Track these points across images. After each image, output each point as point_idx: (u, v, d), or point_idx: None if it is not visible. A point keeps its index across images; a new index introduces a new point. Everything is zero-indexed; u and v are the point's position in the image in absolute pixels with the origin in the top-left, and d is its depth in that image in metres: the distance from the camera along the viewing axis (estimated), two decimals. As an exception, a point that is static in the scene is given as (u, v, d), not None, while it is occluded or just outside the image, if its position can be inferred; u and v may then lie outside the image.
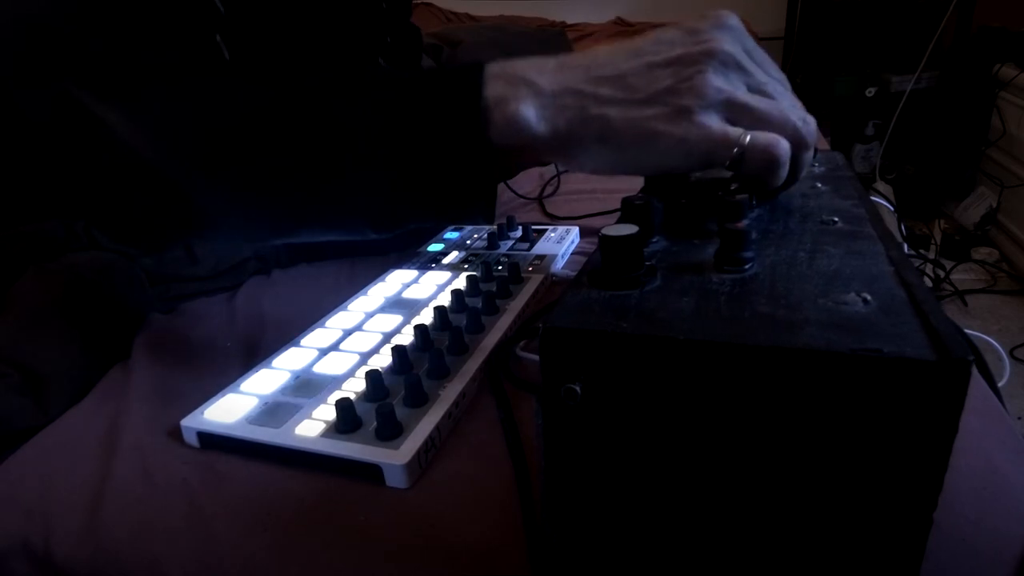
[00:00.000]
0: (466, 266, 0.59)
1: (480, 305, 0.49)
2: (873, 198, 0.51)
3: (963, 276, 1.75)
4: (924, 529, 0.21)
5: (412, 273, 0.58)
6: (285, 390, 0.41)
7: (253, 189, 0.37)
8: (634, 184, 0.41)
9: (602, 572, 0.27)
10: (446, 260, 0.61)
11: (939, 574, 0.27)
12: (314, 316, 0.51)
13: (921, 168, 2.06)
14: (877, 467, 0.21)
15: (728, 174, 0.35)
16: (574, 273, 0.42)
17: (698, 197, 0.37)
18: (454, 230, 0.70)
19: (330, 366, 0.43)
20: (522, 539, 0.31)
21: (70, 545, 0.34)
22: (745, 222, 0.28)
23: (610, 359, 0.23)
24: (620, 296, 0.25)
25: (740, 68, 0.34)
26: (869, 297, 0.23)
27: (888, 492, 0.21)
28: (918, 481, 0.20)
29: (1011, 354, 1.41)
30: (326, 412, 0.38)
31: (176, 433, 0.40)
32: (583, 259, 0.59)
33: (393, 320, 0.49)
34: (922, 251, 1.82)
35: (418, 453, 0.35)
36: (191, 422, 0.39)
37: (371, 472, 0.35)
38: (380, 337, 0.47)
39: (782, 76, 0.37)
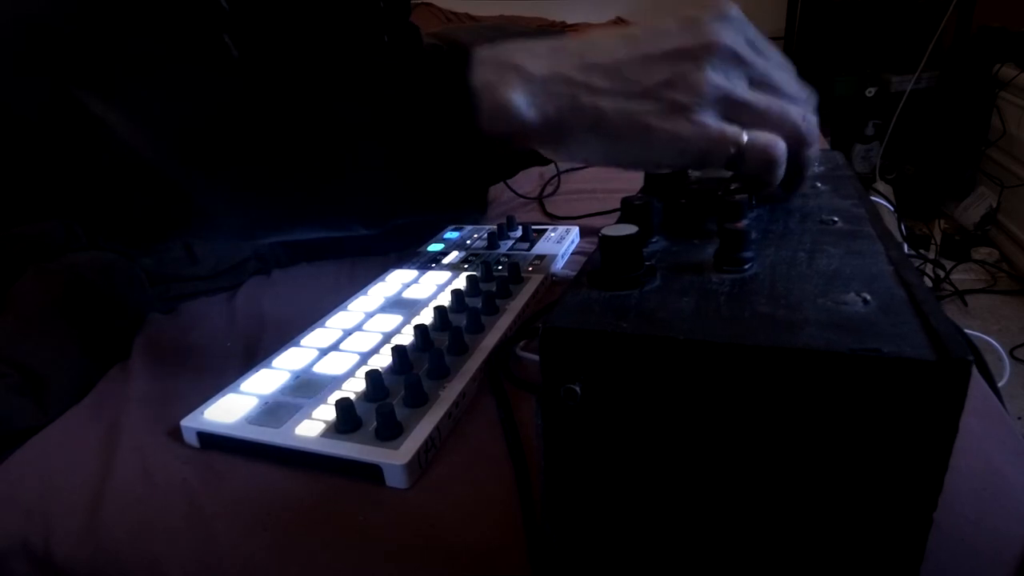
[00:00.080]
0: (466, 266, 0.59)
1: (480, 305, 0.49)
2: (873, 198, 0.51)
3: (963, 276, 1.75)
4: (924, 529, 0.21)
5: (412, 273, 0.58)
6: (285, 390, 0.41)
7: (252, 188, 0.37)
8: (634, 184, 0.41)
9: (602, 572, 0.27)
10: (446, 260, 0.61)
11: (939, 574, 0.27)
12: (314, 316, 0.51)
13: (921, 168, 2.06)
14: (877, 467, 0.21)
15: (728, 173, 0.35)
16: (574, 273, 0.42)
17: (698, 197, 0.37)
18: (454, 230, 0.70)
19: (330, 366, 0.43)
20: (522, 539, 0.31)
21: (70, 545, 0.34)
22: (745, 222, 0.28)
23: (610, 359, 0.23)
24: (620, 296, 0.25)
25: (740, 61, 0.33)
26: (869, 297, 0.23)
27: (888, 492, 0.21)
28: (918, 481, 0.20)
29: (1011, 354, 1.41)
30: (326, 412, 0.38)
31: (176, 433, 0.40)
32: (583, 259, 0.59)
33: (393, 320, 0.49)
34: (922, 251, 1.82)
35: (418, 453, 0.35)
36: (191, 422, 0.39)
37: (371, 472, 0.35)
38: (380, 337, 0.47)
39: (786, 63, 0.36)
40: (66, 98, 0.35)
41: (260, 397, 0.41)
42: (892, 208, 0.95)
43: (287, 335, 0.48)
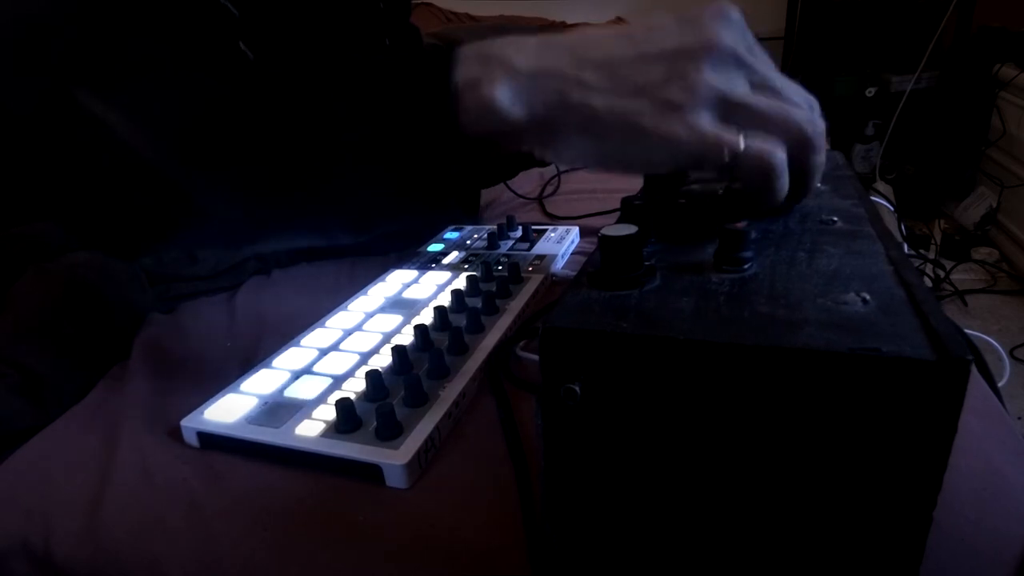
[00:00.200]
0: (466, 266, 0.59)
1: (480, 305, 0.49)
2: (873, 198, 0.51)
3: (963, 276, 1.75)
4: (924, 529, 0.21)
5: (412, 273, 0.58)
6: (285, 390, 0.41)
7: (252, 188, 0.37)
8: (634, 184, 0.41)
9: (602, 572, 0.27)
10: (446, 260, 0.61)
11: (939, 574, 0.27)
12: (314, 316, 0.51)
13: (921, 168, 2.06)
14: (877, 467, 0.21)
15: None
16: (574, 273, 0.42)
17: (697, 197, 0.37)
18: (454, 230, 0.70)
19: (330, 366, 0.43)
20: (522, 539, 0.31)
21: (70, 545, 0.34)
22: (744, 222, 0.28)
23: (610, 359, 0.23)
24: (620, 296, 0.25)
25: (741, 63, 0.31)
26: (868, 297, 0.23)
27: (888, 492, 0.21)
28: (918, 481, 0.20)
29: (1011, 354, 1.41)
30: (326, 412, 0.38)
31: (176, 433, 0.40)
32: (583, 259, 0.59)
33: (393, 320, 0.49)
34: (922, 251, 1.82)
35: (418, 453, 0.35)
36: (191, 422, 0.39)
37: (371, 472, 0.35)
38: (380, 337, 0.47)
39: (782, 78, 0.36)
40: (66, 98, 0.35)
41: (260, 397, 0.41)
42: (892, 208, 0.95)
43: (287, 335, 0.48)
